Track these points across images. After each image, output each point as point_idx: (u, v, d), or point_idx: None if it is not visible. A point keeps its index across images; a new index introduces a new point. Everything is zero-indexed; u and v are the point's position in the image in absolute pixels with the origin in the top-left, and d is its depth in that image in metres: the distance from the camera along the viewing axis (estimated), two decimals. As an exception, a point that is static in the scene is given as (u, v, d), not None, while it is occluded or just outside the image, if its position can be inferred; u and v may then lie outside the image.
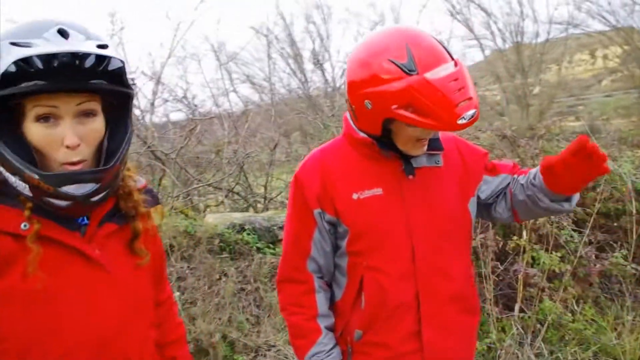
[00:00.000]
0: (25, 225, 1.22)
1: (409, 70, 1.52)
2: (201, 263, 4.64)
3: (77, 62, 1.15)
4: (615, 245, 4.56)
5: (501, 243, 4.25)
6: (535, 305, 4.02)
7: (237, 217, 5.54)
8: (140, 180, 1.49)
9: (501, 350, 3.81)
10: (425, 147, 1.73)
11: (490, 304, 4.02)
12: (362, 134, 1.75)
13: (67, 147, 1.22)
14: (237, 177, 7.01)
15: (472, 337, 1.96)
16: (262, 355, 3.98)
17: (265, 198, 7.10)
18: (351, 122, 1.80)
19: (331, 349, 1.81)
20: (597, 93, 33.34)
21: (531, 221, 4.13)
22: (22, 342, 1.22)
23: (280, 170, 8.34)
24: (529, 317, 4.06)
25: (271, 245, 5.17)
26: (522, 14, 22.23)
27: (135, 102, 6.41)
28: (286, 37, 14.40)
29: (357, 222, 1.75)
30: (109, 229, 1.36)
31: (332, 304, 1.89)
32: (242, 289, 4.61)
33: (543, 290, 4.05)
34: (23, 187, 1.21)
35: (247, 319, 4.36)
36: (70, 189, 1.21)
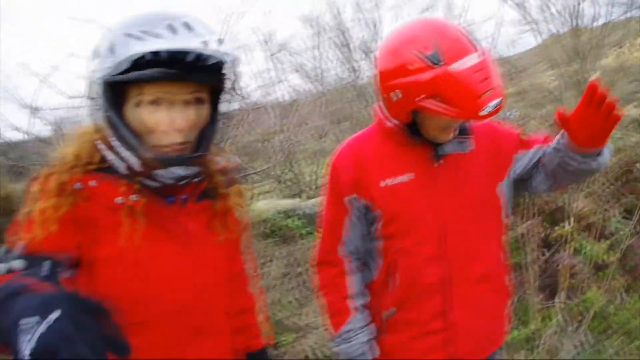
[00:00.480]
0: (121, 199, 1.35)
1: (436, 62, 1.58)
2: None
3: (201, 58, 1.28)
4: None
5: (547, 231, 4.24)
6: (579, 295, 4.01)
7: (286, 203, 5.65)
8: (220, 162, 1.59)
9: (543, 338, 3.82)
10: (453, 134, 1.79)
11: (534, 292, 4.03)
12: (390, 124, 1.83)
13: (176, 130, 1.34)
14: (286, 165, 7.09)
15: (501, 317, 2.02)
16: (305, 336, 4.09)
17: (313, 185, 7.18)
18: (381, 112, 1.88)
19: (362, 327, 1.90)
20: (662, 78, 32.15)
21: (578, 209, 4.11)
22: (124, 302, 1.30)
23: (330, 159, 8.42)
24: (574, 305, 4.06)
25: (316, 231, 5.27)
26: (581, -5, 21.47)
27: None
28: (336, 26, 14.41)
29: (390, 207, 1.83)
30: (198, 206, 1.49)
31: (367, 284, 1.98)
32: (288, 273, 4.73)
33: (588, 279, 4.04)
34: (135, 162, 1.34)
35: (291, 301, 4.48)
36: (177, 169, 1.36)
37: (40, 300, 0.96)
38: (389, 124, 1.83)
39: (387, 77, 1.70)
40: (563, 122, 1.68)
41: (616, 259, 4.06)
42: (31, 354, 0.86)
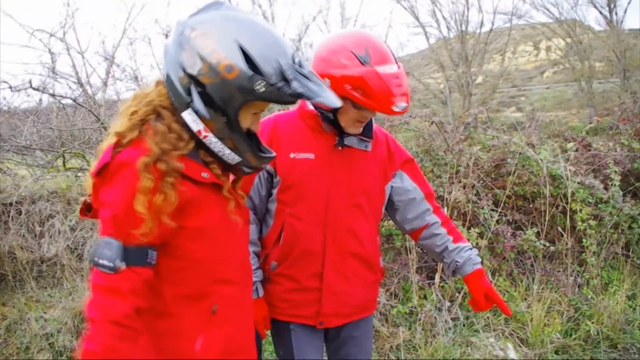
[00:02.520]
0: (205, 175, 1.60)
1: (365, 62, 1.98)
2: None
3: None
4: (529, 224, 5.04)
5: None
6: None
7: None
8: None
9: (422, 313, 4.23)
10: (360, 130, 2.16)
11: (413, 273, 4.43)
12: (311, 108, 2.19)
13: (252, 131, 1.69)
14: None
15: (372, 289, 2.39)
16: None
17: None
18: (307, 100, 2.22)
19: (256, 269, 2.20)
20: (539, 84, 34.29)
21: (452, 199, 4.55)
22: (207, 265, 1.62)
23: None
24: (448, 286, 4.51)
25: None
26: (468, 3, 22.52)
27: (90, 80, 6.53)
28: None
29: (289, 176, 2.16)
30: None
31: (259, 238, 2.28)
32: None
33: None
34: (233, 158, 1.63)
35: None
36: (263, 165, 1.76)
37: None
38: (309, 108, 2.19)
39: (323, 68, 2.05)
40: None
41: (485, 245, 4.53)
42: None
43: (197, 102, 1.54)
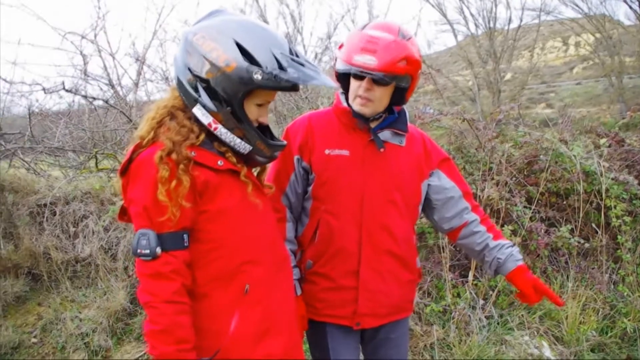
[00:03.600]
0: (220, 162, 1.74)
1: (361, 29, 2.14)
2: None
3: None
4: (563, 221, 4.98)
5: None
6: (486, 274, 4.43)
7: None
8: None
9: (455, 312, 4.22)
10: (364, 108, 2.15)
11: (447, 271, 4.43)
12: (345, 105, 2.23)
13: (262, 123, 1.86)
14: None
15: (408, 289, 2.37)
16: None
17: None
18: (341, 98, 2.27)
19: (293, 267, 2.20)
20: (569, 80, 33.84)
21: (485, 197, 4.53)
22: (233, 246, 1.75)
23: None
24: (482, 284, 4.49)
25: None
26: (496, -1, 22.38)
27: (121, 81, 6.63)
28: (259, 19, 14.54)
29: (324, 172, 2.19)
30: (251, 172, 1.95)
31: (295, 237, 2.30)
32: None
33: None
34: (244, 147, 1.78)
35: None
36: (276, 153, 1.90)
37: None
38: (343, 105, 2.23)
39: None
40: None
41: (519, 242, 4.50)
42: None
43: (204, 97, 1.71)
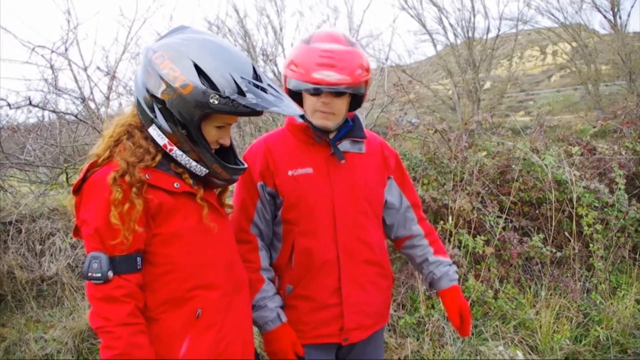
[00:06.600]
0: (177, 184, 1.72)
1: (307, 43, 2.10)
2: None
3: None
4: (535, 230, 5.02)
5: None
6: (460, 284, 4.41)
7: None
8: None
9: (429, 324, 4.21)
10: (328, 123, 2.14)
11: (420, 283, 4.42)
12: (300, 121, 2.20)
13: (223, 145, 1.84)
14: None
15: (386, 297, 2.37)
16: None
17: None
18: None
19: (272, 295, 2.17)
20: (547, 89, 34.21)
21: (457, 207, 4.55)
22: (186, 270, 1.72)
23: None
24: (456, 294, 4.45)
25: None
26: (474, 9, 22.68)
27: (93, 95, 6.57)
28: (239, 30, 14.52)
29: (291, 194, 2.16)
30: (211, 193, 1.91)
31: (270, 264, 2.25)
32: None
33: (468, 270, 4.47)
34: (200, 170, 1.75)
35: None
36: (235, 177, 1.89)
37: None
38: (298, 121, 2.20)
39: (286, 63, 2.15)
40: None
41: (492, 252, 4.52)
42: None
43: (160, 118, 1.68)
